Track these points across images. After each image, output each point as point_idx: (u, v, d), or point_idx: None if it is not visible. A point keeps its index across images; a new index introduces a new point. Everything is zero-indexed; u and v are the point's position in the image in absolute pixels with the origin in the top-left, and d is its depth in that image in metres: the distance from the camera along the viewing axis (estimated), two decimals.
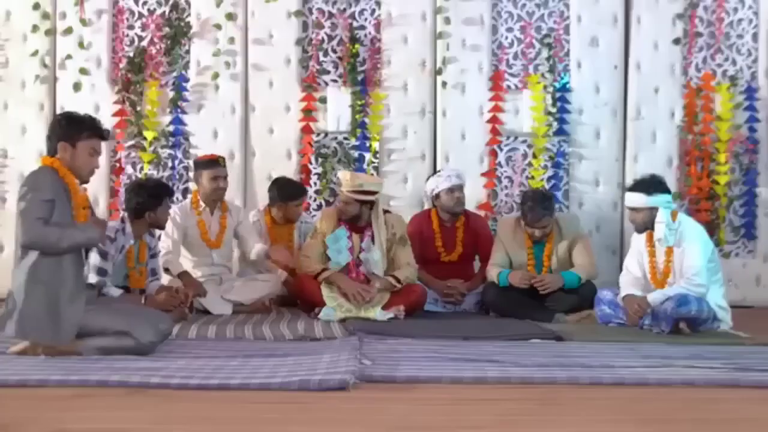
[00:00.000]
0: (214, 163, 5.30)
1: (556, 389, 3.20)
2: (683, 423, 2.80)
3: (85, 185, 3.77)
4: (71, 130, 3.68)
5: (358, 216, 5.11)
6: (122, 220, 4.77)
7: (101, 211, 5.93)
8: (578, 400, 3.05)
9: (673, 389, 3.21)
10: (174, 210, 5.28)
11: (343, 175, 5.17)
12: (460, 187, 5.52)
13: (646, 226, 4.68)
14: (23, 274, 3.55)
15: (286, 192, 5.70)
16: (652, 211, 4.65)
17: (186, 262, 5.28)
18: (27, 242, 3.53)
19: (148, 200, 4.71)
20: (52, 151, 3.68)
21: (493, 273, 5.20)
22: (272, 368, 3.34)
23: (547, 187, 6.11)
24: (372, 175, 5.99)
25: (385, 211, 5.39)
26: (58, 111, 6.03)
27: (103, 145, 3.86)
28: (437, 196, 5.56)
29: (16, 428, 2.57)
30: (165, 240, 5.21)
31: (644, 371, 3.43)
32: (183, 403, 2.91)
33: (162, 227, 4.86)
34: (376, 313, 4.86)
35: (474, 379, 3.28)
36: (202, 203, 5.33)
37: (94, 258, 4.38)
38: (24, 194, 3.55)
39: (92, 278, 4.30)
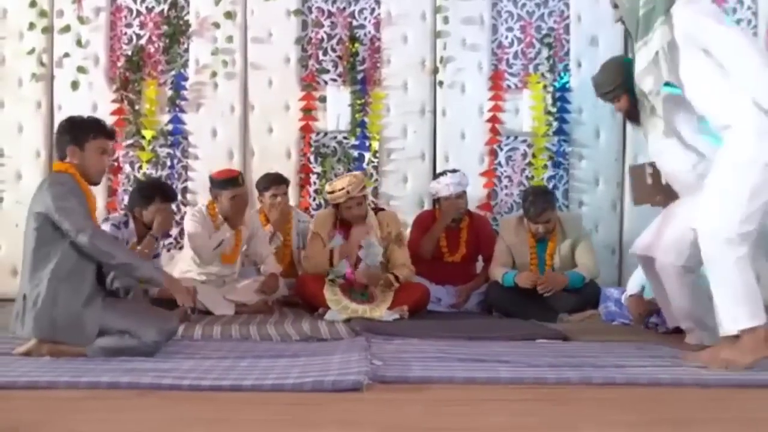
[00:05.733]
0: (232, 182, 5.09)
1: (569, 389, 3.18)
2: (699, 423, 2.79)
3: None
4: (78, 132, 3.68)
5: (363, 215, 5.10)
6: (125, 215, 4.79)
7: (99, 210, 5.85)
8: (593, 401, 3.04)
9: (686, 389, 3.21)
10: (194, 213, 5.20)
11: (349, 180, 5.04)
12: (460, 194, 5.47)
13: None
14: (45, 275, 3.51)
15: (258, 183, 5.72)
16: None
17: (190, 263, 5.24)
18: (91, 248, 3.51)
19: (138, 197, 4.79)
20: (62, 157, 3.67)
21: (497, 273, 5.19)
22: (283, 369, 3.31)
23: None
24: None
25: (379, 209, 5.38)
26: (56, 109, 6.01)
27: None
28: (438, 200, 5.55)
29: (27, 431, 2.53)
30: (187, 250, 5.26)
31: (655, 371, 3.42)
32: (195, 404, 2.88)
33: (153, 230, 4.78)
34: (382, 314, 4.84)
35: (487, 379, 3.26)
36: (220, 217, 5.19)
37: None
38: (62, 196, 3.52)
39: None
